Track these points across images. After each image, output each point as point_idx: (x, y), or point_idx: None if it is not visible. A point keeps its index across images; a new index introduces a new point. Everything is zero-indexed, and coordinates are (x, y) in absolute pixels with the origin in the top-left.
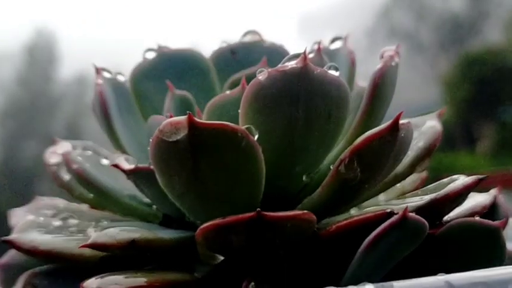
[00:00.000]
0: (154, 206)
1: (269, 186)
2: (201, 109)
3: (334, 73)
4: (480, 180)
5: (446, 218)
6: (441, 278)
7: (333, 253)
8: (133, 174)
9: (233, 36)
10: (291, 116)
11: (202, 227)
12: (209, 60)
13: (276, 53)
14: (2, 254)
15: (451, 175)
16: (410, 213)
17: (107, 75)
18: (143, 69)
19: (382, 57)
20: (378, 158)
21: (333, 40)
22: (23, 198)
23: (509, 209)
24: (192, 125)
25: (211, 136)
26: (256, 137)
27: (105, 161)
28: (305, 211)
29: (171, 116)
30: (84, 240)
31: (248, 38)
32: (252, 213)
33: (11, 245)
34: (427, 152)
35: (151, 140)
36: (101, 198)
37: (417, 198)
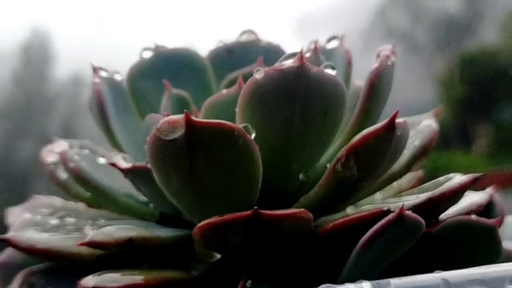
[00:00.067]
0: (151, 205)
1: (266, 184)
2: (198, 108)
3: (330, 72)
4: (476, 178)
5: (442, 216)
6: (438, 275)
7: (330, 251)
8: (131, 173)
9: (230, 35)
10: (287, 115)
11: (199, 225)
12: (206, 60)
13: (272, 53)
14: None
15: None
16: (407, 212)
17: (104, 74)
18: (140, 68)
19: (378, 56)
20: (375, 157)
21: (330, 39)
22: (18, 198)
23: (505, 207)
24: (189, 123)
25: (208, 135)
26: (253, 135)
27: (102, 160)
28: (302, 209)
29: (168, 115)
30: (81, 239)
31: (244, 38)
32: (249, 212)
33: (8, 243)
34: (423, 151)
35: (148, 138)
36: (98, 197)
37: (413, 196)
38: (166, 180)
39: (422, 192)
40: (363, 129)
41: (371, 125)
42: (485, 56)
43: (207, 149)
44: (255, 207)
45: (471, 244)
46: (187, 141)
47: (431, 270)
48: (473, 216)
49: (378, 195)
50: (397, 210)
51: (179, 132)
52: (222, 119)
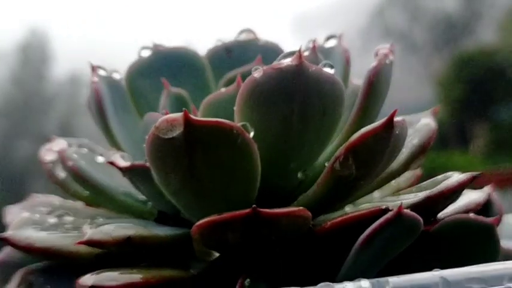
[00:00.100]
0: (149, 203)
1: (264, 183)
2: (197, 107)
3: (329, 71)
4: (474, 177)
5: (440, 214)
6: (436, 273)
7: (328, 249)
8: (129, 172)
9: (228, 34)
10: (286, 114)
11: (198, 223)
12: (204, 58)
13: (270, 51)
14: None
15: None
16: (405, 210)
17: (102, 73)
18: (139, 67)
19: (376, 55)
20: (373, 155)
21: (328, 38)
22: (16, 197)
23: (503, 206)
24: (187, 122)
25: (207, 133)
26: (251, 134)
27: (100, 159)
28: (300, 208)
29: (166, 113)
30: (80, 237)
31: (243, 37)
32: (247, 210)
33: (7, 242)
34: (421, 150)
35: (147, 137)
36: (96, 196)
37: (412, 195)
38: (164, 179)
39: (421, 191)
40: (361, 127)
41: (369, 124)
42: (483, 56)
43: (205, 147)
44: (254, 205)
45: (469, 242)
46: (186, 139)
47: (429, 269)
48: (471, 215)
49: (376, 194)
50: (395, 209)
51: (178, 131)
52: (221, 118)
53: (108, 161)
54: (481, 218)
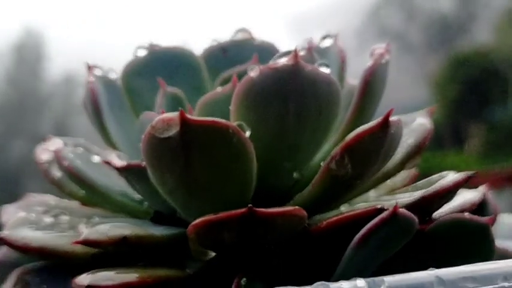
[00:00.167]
0: (145, 203)
1: (260, 182)
2: (193, 106)
3: (325, 70)
4: (469, 177)
5: (435, 214)
6: (431, 272)
7: (324, 249)
8: (125, 171)
9: (224, 34)
10: (282, 113)
11: (194, 223)
12: (200, 58)
13: (266, 51)
14: None
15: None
16: (401, 210)
17: (98, 72)
18: (135, 66)
19: (372, 55)
20: (369, 155)
21: (324, 38)
22: (11, 197)
23: (498, 206)
24: (183, 121)
25: (203, 133)
26: (247, 133)
27: (96, 158)
28: (296, 207)
29: (163, 113)
30: (76, 237)
31: (239, 36)
32: (243, 210)
33: (3, 241)
34: (417, 149)
35: (143, 136)
36: (92, 195)
37: (407, 194)
38: (161, 178)
39: (416, 190)
40: (357, 127)
41: (365, 123)
42: (479, 56)
43: (201, 147)
44: (250, 205)
45: (464, 242)
46: (182, 139)
47: (425, 268)
48: (466, 214)
49: (371, 193)
50: (390, 208)
51: (174, 130)
52: (217, 117)
53: (104, 161)
54: (476, 217)
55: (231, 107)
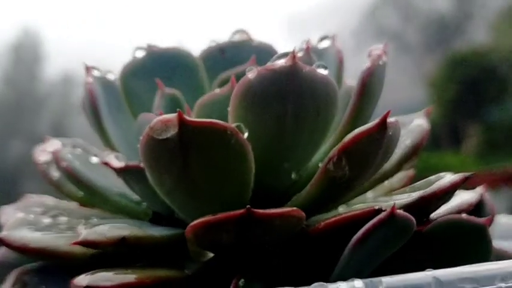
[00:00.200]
0: (144, 204)
1: (258, 183)
2: (191, 107)
3: (322, 72)
4: (467, 178)
5: (433, 215)
6: (429, 273)
7: (322, 250)
8: (123, 172)
9: (222, 35)
10: (280, 114)
11: (192, 224)
12: (198, 59)
13: (264, 52)
14: None
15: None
16: (398, 211)
17: (96, 73)
18: (133, 67)
19: (370, 56)
20: (366, 156)
21: (321, 39)
22: (8, 198)
23: (495, 206)
24: (182, 122)
25: (201, 134)
26: (245, 134)
27: (94, 159)
28: (294, 208)
29: (161, 114)
30: (75, 238)
31: (237, 37)
32: (241, 210)
33: (1, 242)
34: (414, 150)
35: (141, 137)
36: (91, 196)
37: (405, 195)
38: (159, 179)
39: (414, 191)
40: (355, 128)
41: (363, 125)
42: (476, 56)
43: (199, 148)
44: (248, 206)
45: (462, 243)
46: (180, 140)
47: (422, 269)
48: (463, 215)
49: (369, 194)
50: (388, 209)
51: (172, 132)
52: (215, 119)
53: (103, 162)
54: (473, 218)
55: (229, 108)
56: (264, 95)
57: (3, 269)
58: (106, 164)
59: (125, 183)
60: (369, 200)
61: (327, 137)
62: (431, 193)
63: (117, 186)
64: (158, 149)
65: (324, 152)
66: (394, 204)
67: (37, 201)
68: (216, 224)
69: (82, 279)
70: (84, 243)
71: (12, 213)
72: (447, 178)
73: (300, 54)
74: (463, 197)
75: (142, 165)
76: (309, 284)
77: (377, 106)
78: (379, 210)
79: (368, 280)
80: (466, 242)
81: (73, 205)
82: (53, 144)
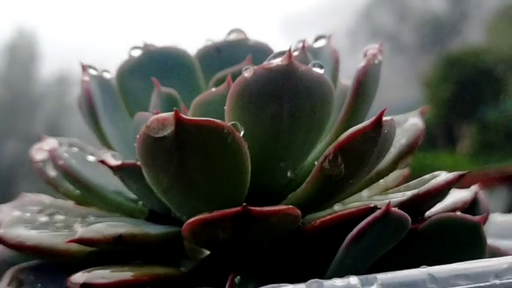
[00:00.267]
0: (140, 202)
1: (254, 181)
2: (187, 106)
3: (318, 71)
4: (461, 176)
5: (428, 213)
6: (424, 270)
7: (318, 247)
8: (120, 170)
9: (218, 34)
10: (276, 113)
11: (189, 221)
12: (194, 58)
13: (260, 52)
14: None
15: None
16: (393, 208)
17: (93, 72)
18: (129, 66)
19: (365, 55)
20: (362, 154)
21: (317, 39)
22: (3, 197)
23: (490, 205)
24: (178, 121)
25: (197, 132)
26: (241, 133)
27: (91, 158)
28: (290, 206)
29: (157, 113)
30: (71, 236)
31: (233, 37)
32: (238, 208)
33: None
34: (409, 149)
35: (138, 136)
36: (87, 194)
37: (400, 194)
38: (155, 178)
39: (409, 190)
40: (350, 127)
41: (358, 123)
42: (471, 57)
43: (196, 146)
44: (244, 203)
45: (456, 241)
46: (177, 138)
47: (417, 266)
48: (458, 213)
49: (364, 193)
50: (383, 207)
51: (169, 130)
52: (211, 117)
53: (99, 160)
54: (467, 216)
55: (226, 107)
56: (260, 94)
57: None
58: (102, 162)
59: (121, 182)
60: (364, 198)
61: (323, 136)
62: (426, 191)
63: (113, 184)
64: (155, 147)
65: (320, 150)
66: (390, 202)
67: (33, 199)
68: (212, 221)
69: (79, 276)
70: (81, 241)
71: (8, 212)
72: (442, 177)
73: (296, 54)
74: (457, 195)
75: (138, 163)
76: (305, 281)
77: (372, 106)
78: (375, 208)
79: (363, 277)
80: (461, 239)
81: (69, 204)
82: (50, 143)
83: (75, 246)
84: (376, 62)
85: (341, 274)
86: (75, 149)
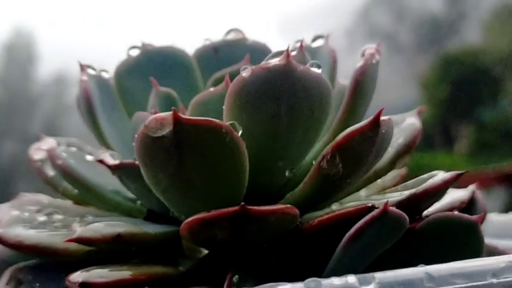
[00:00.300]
0: (138, 202)
1: (253, 181)
2: (185, 106)
3: (316, 70)
4: (459, 175)
5: (425, 212)
6: (421, 269)
7: (316, 246)
8: (118, 170)
9: (216, 34)
10: (274, 113)
11: (187, 221)
12: (192, 58)
13: (258, 51)
14: None
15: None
16: (391, 208)
17: (91, 72)
18: (127, 66)
19: (363, 55)
20: (359, 154)
21: (315, 38)
22: (1, 197)
23: (487, 204)
24: (177, 120)
25: (195, 132)
26: (240, 132)
27: (89, 157)
28: (288, 205)
29: (155, 112)
30: (69, 235)
31: (231, 36)
32: (236, 207)
33: None
34: (406, 149)
35: (136, 135)
36: (86, 194)
37: (397, 193)
38: (154, 177)
39: (406, 189)
40: (348, 127)
41: (356, 123)
42: (468, 56)
43: (194, 146)
44: (242, 203)
45: (454, 240)
46: (175, 138)
47: (415, 265)
48: (456, 213)
49: (362, 192)
50: (381, 207)
51: (167, 130)
52: (209, 117)
53: (98, 160)
54: (465, 215)
55: (224, 107)
56: (258, 93)
57: None
58: (101, 161)
59: (119, 181)
60: (362, 198)
61: (321, 136)
62: (423, 191)
63: (112, 184)
64: (153, 147)
65: (318, 150)
66: (387, 201)
67: (32, 199)
68: (211, 220)
69: (77, 276)
70: (80, 240)
71: (7, 211)
72: (439, 176)
73: (293, 53)
74: (455, 195)
75: (137, 163)
76: (303, 280)
77: (370, 106)
78: (372, 208)
79: (361, 276)
80: (458, 239)
81: (68, 203)
82: (48, 143)
83: (73, 246)
84: (373, 61)
85: (339, 273)
86: (74, 149)
